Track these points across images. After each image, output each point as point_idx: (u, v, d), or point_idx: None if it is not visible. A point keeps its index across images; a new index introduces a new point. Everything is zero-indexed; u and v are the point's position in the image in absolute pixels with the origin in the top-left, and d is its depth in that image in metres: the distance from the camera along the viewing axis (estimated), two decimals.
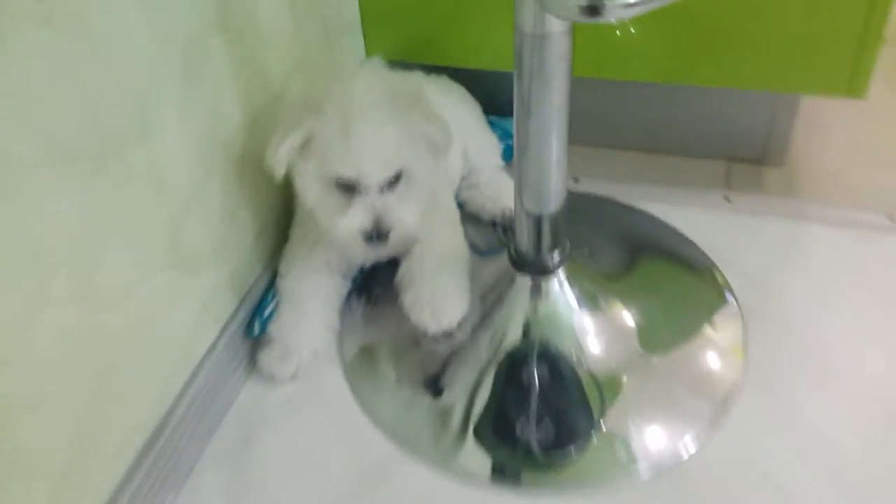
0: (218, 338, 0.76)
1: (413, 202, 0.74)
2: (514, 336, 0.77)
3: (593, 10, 0.51)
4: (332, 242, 0.79)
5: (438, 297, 0.79)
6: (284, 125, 0.72)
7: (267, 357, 0.79)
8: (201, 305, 0.74)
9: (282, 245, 0.85)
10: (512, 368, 0.76)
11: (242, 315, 0.80)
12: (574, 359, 0.76)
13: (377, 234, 0.71)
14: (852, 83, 0.88)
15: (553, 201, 0.75)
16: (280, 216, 0.87)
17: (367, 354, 0.82)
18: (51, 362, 0.56)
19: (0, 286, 0.51)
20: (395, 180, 0.72)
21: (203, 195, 0.72)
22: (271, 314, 0.81)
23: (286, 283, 0.81)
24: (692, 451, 0.70)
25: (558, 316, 0.78)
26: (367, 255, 0.83)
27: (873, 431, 0.71)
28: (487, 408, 0.74)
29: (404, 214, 0.72)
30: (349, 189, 0.72)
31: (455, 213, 0.88)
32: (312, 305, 0.81)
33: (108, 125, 0.59)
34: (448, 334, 0.80)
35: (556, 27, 0.63)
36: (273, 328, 0.79)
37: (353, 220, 0.71)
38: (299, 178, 0.73)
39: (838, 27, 0.85)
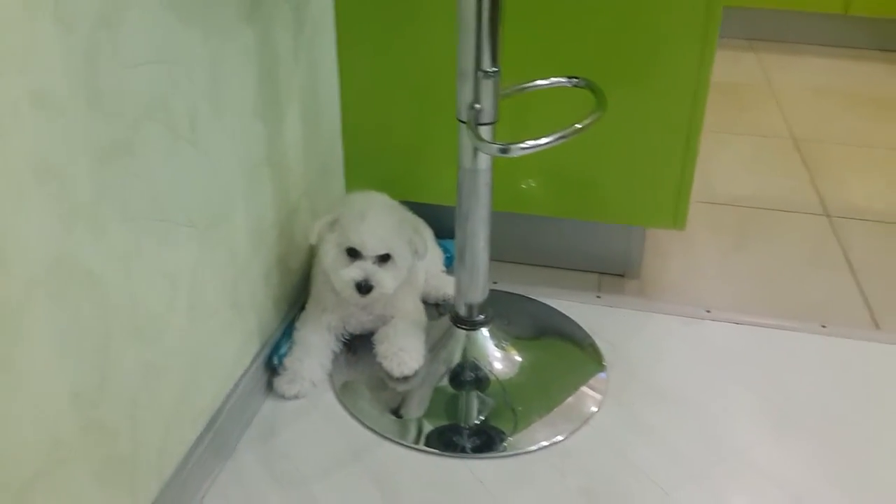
0: (253, 361, 1.12)
1: (393, 276, 1.12)
2: (457, 357, 1.17)
3: (504, 151, 0.94)
4: (335, 305, 1.16)
5: (403, 351, 1.17)
6: (322, 218, 1.13)
7: (279, 381, 1.14)
8: (244, 337, 1.10)
9: (293, 308, 1.22)
10: (455, 376, 1.15)
11: (267, 350, 1.16)
12: (488, 370, 1.17)
13: (365, 285, 1.09)
14: (675, 219, 1.35)
15: (481, 290, 1.17)
16: (296, 290, 1.24)
17: (351, 386, 1.17)
18: (163, 353, 0.91)
19: (147, 295, 0.87)
20: (385, 258, 1.11)
21: (252, 264, 1.10)
22: (284, 353, 1.17)
23: (300, 334, 1.18)
24: (564, 436, 1.08)
25: (481, 350, 1.19)
26: (356, 303, 1.16)
27: (693, 432, 1.10)
28: (435, 420, 1.10)
29: (385, 280, 1.10)
30: (354, 255, 1.10)
31: (419, 301, 1.26)
32: (315, 350, 1.17)
33: (212, 206, 0.98)
34: (406, 378, 1.17)
35: (483, 164, 1.07)
36: (287, 361, 1.15)
37: (350, 273, 1.09)
38: (324, 245, 1.11)
39: (663, 182, 1.32)
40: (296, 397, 1.14)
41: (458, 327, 1.19)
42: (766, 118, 2.29)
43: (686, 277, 1.48)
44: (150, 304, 0.86)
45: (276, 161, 1.15)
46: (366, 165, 1.42)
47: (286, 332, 1.21)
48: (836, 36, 3.04)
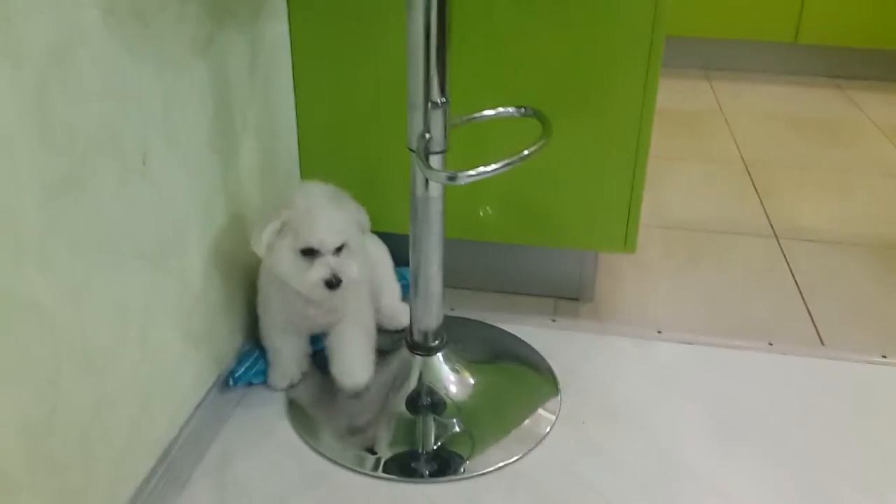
0: (208, 391, 1.12)
1: (354, 263, 1.11)
2: (413, 383, 1.19)
3: (452, 178, 0.97)
4: (281, 308, 1.18)
5: (353, 367, 1.19)
6: (264, 219, 1.10)
7: (272, 377, 1.22)
8: (199, 368, 1.10)
9: (254, 334, 1.24)
10: (411, 401, 1.17)
11: (222, 376, 1.17)
12: (444, 393, 1.19)
13: (335, 281, 1.08)
14: (626, 242, 1.38)
15: (435, 317, 1.19)
16: (247, 320, 1.26)
17: (307, 414, 1.18)
18: (115, 385, 0.92)
19: (97, 328, 0.88)
20: (340, 248, 1.10)
21: (208, 294, 1.11)
22: (240, 374, 1.19)
23: (267, 344, 1.22)
24: (518, 457, 1.09)
25: (436, 374, 1.21)
26: (324, 300, 1.16)
27: (642, 449, 1.12)
28: (394, 447, 1.12)
29: (349, 269, 1.10)
30: (311, 254, 1.08)
31: (369, 306, 1.26)
32: (288, 352, 1.22)
33: (164, 238, 0.99)
34: (357, 391, 1.19)
35: (435, 192, 1.09)
36: (272, 361, 1.22)
37: (317, 273, 1.08)
38: (276, 253, 1.09)
39: (613, 206, 1.35)
40: (290, 387, 1.23)
41: (414, 353, 1.21)
42: (718, 144, 2.35)
43: (638, 300, 1.51)
44: (101, 336, 0.87)
45: (232, 192, 1.16)
46: None
47: (244, 353, 1.22)
48: (786, 64, 3.14)
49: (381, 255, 1.38)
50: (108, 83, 0.84)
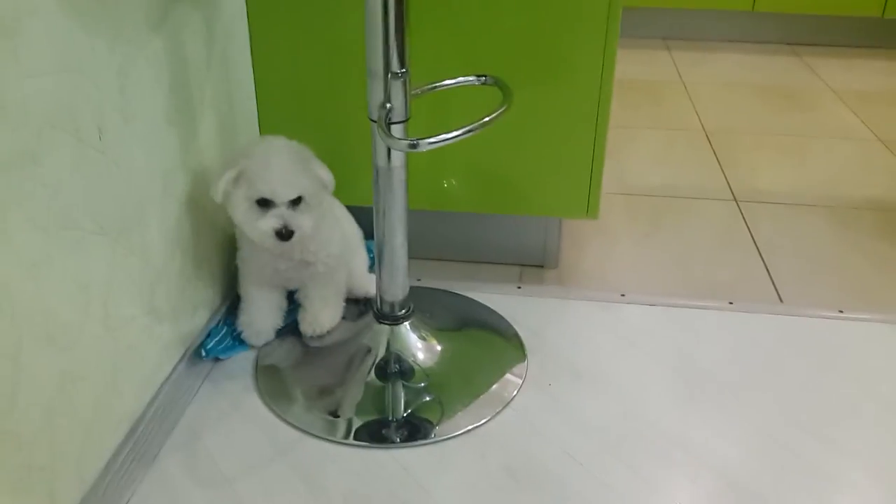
0: (175, 366, 1.12)
1: (308, 217, 1.11)
2: (381, 352, 1.21)
3: (413, 146, 0.98)
4: (262, 258, 1.19)
5: (318, 315, 1.24)
6: (223, 168, 1.11)
7: (247, 332, 1.25)
8: (165, 343, 1.10)
9: (220, 308, 1.25)
10: (380, 369, 1.18)
11: (193, 348, 1.17)
12: (412, 360, 1.20)
13: (285, 232, 1.08)
14: (588, 209, 1.40)
15: (401, 289, 1.20)
16: (223, 288, 1.25)
17: (277, 383, 1.19)
18: (79, 361, 0.92)
19: (59, 304, 0.87)
20: (297, 201, 1.10)
21: (170, 268, 1.11)
22: (212, 346, 1.20)
23: (242, 292, 1.24)
24: (486, 419, 1.11)
25: (404, 342, 1.22)
26: (277, 251, 1.17)
27: (608, 408, 1.15)
28: (363, 416, 1.13)
29: (303, 222, 1.10)
30: (266, 205, 1.09)
31: (342, 266, 1.27)
32: (262, 304, 1.25)
33: (124, 213, 0.98)
34: (321, 336, 1.24)
35: (397, 162, 1.10)
36: (241, 319, 1.24)
37: (268, 223, 1.08)
38: (233, 200, 1.09)
39: (575, 174, 1.37)
40: (265, 344, 1.25)
41: (381, 323, 1.22)
42: (678, 112, 2.38)
43: (602, 265, 1.53)
44: (62, 312, 0.86)
45: (192, 167, 1.15)
46: None
47: (214, 327, 1.23)
48: (744, 32, 3.18)
49: (348, 223, 1.38)
50: (60, 57, 0.83)
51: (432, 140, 0.97)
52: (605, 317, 1.36)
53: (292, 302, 1.30)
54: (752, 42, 3.17)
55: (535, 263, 1.51)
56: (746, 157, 2.05)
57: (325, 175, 1.15)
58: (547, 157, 1.36)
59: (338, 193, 1.41)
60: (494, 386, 1.18)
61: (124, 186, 0.98)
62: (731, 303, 1.39)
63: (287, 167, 1.09)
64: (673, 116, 2.34)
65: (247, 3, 1.31)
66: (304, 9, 1.31)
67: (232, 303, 1.30)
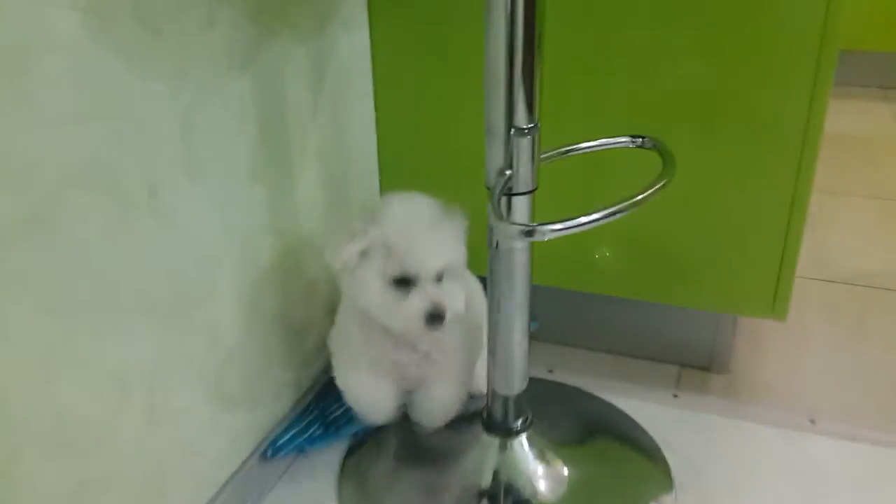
0: (245, 462, 0.96)
1: (457, 290, 0.90)
2: (488, 478, 0.98)
3: (530, 233, 0.75)
4: (376, 346, 0.96)
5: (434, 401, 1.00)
6: (347, 233, 0.89)
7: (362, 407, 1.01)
8: (233, 435, 0.94)
9: (307, 392, 1.08)
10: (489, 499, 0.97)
11: (264, 443, 1.00)
12: (529, 493, 0.97)
13: (437, 315, 0.87)
14: (774, 307, 1.10)
15: (517, 385, 0.96)
16: (312, 370, 1.09)
17: (364, 488, 0.99)
18: (124, 456, 0.76)
19: (78, 400, 0.71)
20: (441, 273, 0.89)
21: (246, 348, 0.94)
22: (283, 444, 1.02)
23: (343, 382, 1.00)
24: None
25: (518, 465, 0.98)
26: (420, 340, 0.95)
27: None
28: None
29: (454, 300, 0.89)
30: (405, 283, 0.88)
31: (470, 361, 1.03)
32: (375, 390, 0.99)
33: (185, 285, 0.83)
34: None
35: (519, 242, 0.87)
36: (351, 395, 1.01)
37: (415, 305, 0.87)
38: (360, 279, 0.89)
39: (761, 259, 1.08)
40: (385, 422, 1.02)
41: (490, 434, 0.99)
42: None
43: (787, 376, 1.22)
44: (82, 409, 0.71)
45: (283, 228, 0.99)
46: None
47: (297, 417, 1.06)
48: None
49: (480, 300, 1.08)
50: (92, 101, 0.68)
51: (556, 227, 0.74)
52: (787, 450, 1.05)
53: None
54: None
55: (698, 365, 1.23)
56: None
57: (463, 231, 0.93)
58: (725, 235, 1.08)
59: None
60: None
61: (185, 254, 0.82)
62: None
63: (435, 235, 0.89)
64: (890, 183, 1.96)
65: (371, 38, 1.14)
66: (431, 47, 1.11)
67: (323, 386, 1.12)
